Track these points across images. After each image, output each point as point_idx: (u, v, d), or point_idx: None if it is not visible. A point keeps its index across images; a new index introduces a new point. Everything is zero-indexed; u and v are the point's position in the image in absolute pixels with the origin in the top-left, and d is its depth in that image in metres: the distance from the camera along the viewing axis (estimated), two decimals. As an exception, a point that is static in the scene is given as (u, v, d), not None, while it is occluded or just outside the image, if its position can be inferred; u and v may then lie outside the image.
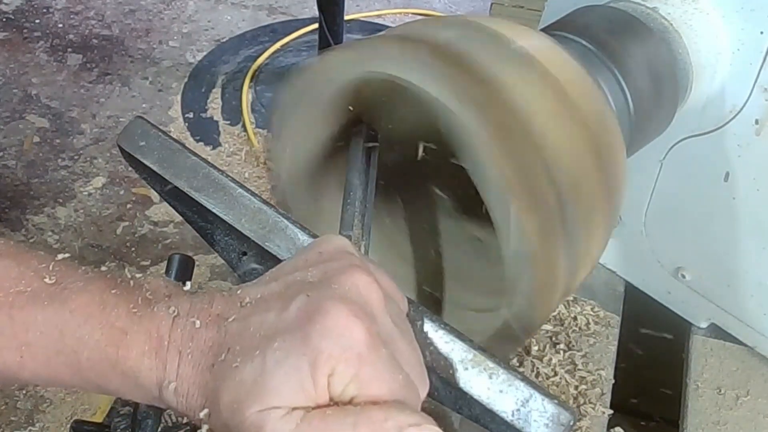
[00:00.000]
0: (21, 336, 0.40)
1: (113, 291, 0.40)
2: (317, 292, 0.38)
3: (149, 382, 0.39)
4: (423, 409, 0.38)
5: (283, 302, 0.38)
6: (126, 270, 0.43)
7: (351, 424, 0.34)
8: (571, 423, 0.41)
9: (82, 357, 0.39)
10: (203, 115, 1.63)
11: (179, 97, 1.66)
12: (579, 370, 0.90)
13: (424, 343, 0.44)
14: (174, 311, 0.39)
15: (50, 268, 0.41)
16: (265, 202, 0.52)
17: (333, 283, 0.38)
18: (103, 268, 0.42)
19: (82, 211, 1.38)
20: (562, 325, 0.94)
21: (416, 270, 0.71)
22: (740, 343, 0.91)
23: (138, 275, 0.42)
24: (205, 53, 1.80)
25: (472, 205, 0.67)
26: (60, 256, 0.43)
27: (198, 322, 0.38)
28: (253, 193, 0.52)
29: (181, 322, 0.39)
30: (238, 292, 0.40)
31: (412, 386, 0.38)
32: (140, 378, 0.39)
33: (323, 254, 0.41)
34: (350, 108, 0.60)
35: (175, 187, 0.53)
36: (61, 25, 1.83)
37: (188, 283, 0.42)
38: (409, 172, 0.70)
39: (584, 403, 0.87)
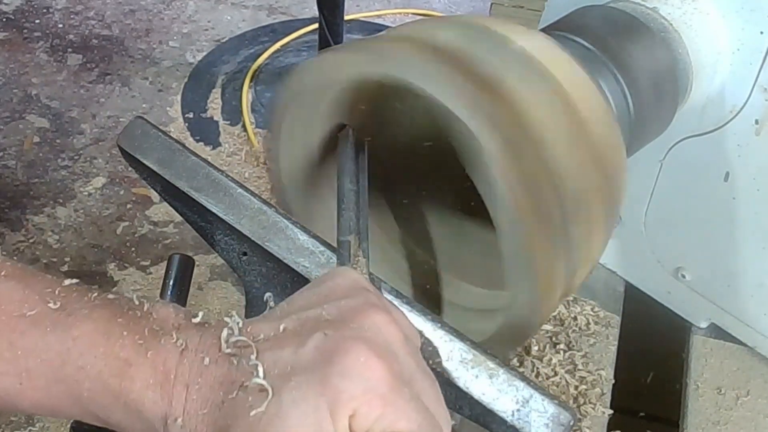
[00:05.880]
0: (21, 362, 0.38)
1: (119, 320, 0.39)
2: (336, 331, 0.36)
3: (153, 416, 0.37)
4: None
5: (299, 339, 0.36)
6: (134, 296, 0.41)
7: None
8: (571, 423, 0.41)
9: (83, 387, 0.38)
10: (203, 115, 1.63)
11: (179, 97, 1.66)
12: (579, 370, 0.90)
13: (424, 343, 0.44)
14: (182, 344, 0.38)
15: (56, 292, 0.40)
16: (265, 202, 0.52)
17: (351, 322, 0.37)
18: (111, 296, 0.40)
19: (82, 211, 1.38)
20: (562, 325, 0.94)
21: (415, 269, 0.71)
22: (740, 343, 0.91)
23: (146, 303, 0.40)
24: (205, 53, 1.79)
25: (472, 203, 0.67)
26: (67, 282, 0.41)
27: (207, 358, 0.37)
28: (253, 193, 0.52)
29: (190, 357, 0.37)
30: (249, 328, 0.38)
31: (437, 426, 0.37)
32: (144, 411, 0.37)
33: (337, 290, 0.40)
34: (362, 107, 0.59)
35: (175, 187, 0.53)
36: (61, 25, 1.83)
37: (200, 314, 0.40)
38: (406, 171, 0.70)
39: (584, 403, 0.87)
